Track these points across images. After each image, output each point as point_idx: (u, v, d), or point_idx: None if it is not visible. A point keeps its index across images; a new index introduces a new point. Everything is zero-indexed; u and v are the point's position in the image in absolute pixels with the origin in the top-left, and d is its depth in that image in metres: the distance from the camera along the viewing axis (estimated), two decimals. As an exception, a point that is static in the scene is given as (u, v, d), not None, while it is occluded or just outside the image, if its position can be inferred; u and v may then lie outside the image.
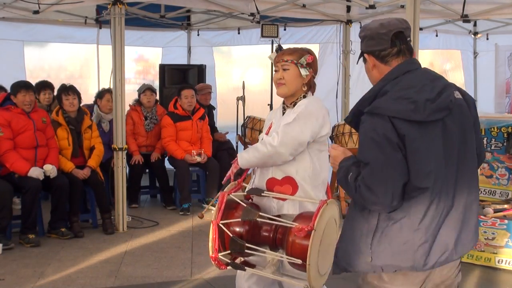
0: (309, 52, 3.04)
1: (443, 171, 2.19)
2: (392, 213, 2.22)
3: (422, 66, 2.35)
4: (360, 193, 2.19)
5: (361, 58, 2.41)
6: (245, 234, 2.69)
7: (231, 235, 2.65)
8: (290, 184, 2.92)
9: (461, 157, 2.24)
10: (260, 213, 2.71)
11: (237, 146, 7.64)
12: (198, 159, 6.77)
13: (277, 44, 7.25)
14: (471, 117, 2.29)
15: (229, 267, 2.78)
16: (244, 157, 2.97)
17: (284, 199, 2.93)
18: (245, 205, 2.73)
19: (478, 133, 2.35)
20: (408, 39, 2.29)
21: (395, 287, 2.32)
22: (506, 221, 4.87)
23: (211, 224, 2.68)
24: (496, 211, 5.02)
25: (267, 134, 3.05)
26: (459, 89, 2.31)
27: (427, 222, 2.20)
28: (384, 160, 2.13)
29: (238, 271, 3.10)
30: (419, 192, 2.17)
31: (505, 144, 6.58)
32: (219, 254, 2.71)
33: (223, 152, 7.38)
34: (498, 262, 4.89)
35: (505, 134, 6.56)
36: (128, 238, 5.73)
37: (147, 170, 7.42)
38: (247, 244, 2.65)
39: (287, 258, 2.61)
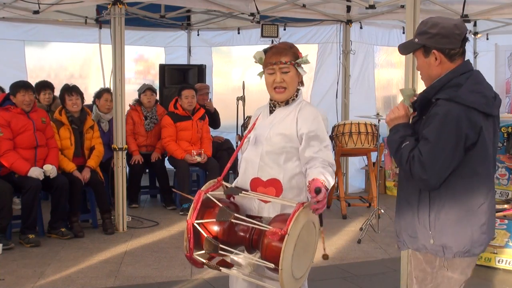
0: (296, 47, 2.92)
1: (494, 161, 2.52)
2: (450, 193, 2.44)
3: None
4: (410, 165, 2.40)
5: (416, 51, 2.55)
6: (221, 234, 2.62)
7: (205, 235, 2.58)
8: (274, 187, 2.80)
9: (494, 153, 2.53)
10: (236, 214, 2.62)
11: (236, 146, 7.63)
12: (198, 159, 6.77)
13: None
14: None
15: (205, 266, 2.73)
16: (330, 181, 2.70)
17: (266, 201, 2.81)
18: (221, 205, 2.65)
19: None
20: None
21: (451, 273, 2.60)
22: (506, 221, 4.87)
23: (186, 223, 2.61)
24: (496, 211, 5.01)
25: (249, 132, 2.92)
26: None
27: (486, 206, 2.47)
28: (446, 144, 2.35)
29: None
30: (479, 177, 2.44)
31: (505, 144, 6.59)
32: (194, 254, 2.65)
33: (223, 152, 7.38)
34: (498, 262, 4.89)
35: (505, 134, 6.57)
36: (128, 238, 5.73)
37: (147, 170, 7.42)
38: (221, 245, 2.59)
39: (260, 262, 2.55)
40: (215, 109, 7.66)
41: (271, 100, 2.95)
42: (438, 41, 2.45)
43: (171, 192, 7.06)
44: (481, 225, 2.47)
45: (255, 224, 2.60)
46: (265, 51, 2.90)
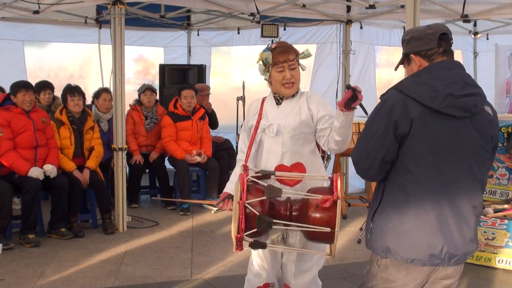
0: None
1: (438, 163, 2.30)
2: (389, 190, 2.36)
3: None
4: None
5: (403, 63, 2.52)
6: (265, 212, 2.77)
7: (257, 214, 2.70)
8: (299, 170, 3.02)
9: (464, 160, 2.33)
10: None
11: (236, 146, 7.63)
12: (198, 159, 6.77)
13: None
14: (492, 135, 2.40)
15: (245, 248, 2.84)
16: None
17: (290, 184, 2.99)
18: (264, 184, 2.82)
19: (493, 154, 2.44)
20: (452, 41, 2.41)
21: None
22: (506, 221, 4.87)
23: (237, 205, 2.69)
24: (496, 211, 5.00)
25: (258, 122, 3.10)
26: (491, 107, 2.43)
27: (426, 213, 2.31)
28: (377, 128, 2.32)
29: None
30: (410, 176, 2.31)
31: (505, 144, 6.58)
32: (244, 234, 2.73)
33: (223, 152, 7.38)
34: (498, 262, 4.89)
35: (505, 134, 6.56)
36: (128, 238, 5.73)
37: (147, 170, 7.42)
38: (274, 220, 2.73)
39: (316, 229, 2.70)
40: (212, 110, 7.66)
41: (275, 93, 3.16)
42: (413, 45, 2.43)
43: (171, 192, 7.05)
44: (409, 227, 2.32)
45: (308, 195, 2.77)
46: (270, 50, 3.07)
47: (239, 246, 2.78)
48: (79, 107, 5.96)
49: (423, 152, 2.30)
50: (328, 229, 2.68)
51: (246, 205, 2.70)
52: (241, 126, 3.09)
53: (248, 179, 2.82)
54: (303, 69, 3.11)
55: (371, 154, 2.35)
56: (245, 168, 2.95)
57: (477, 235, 2.44)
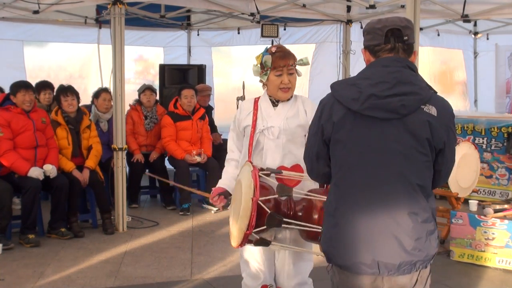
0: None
1: (363, 167, 2.19)
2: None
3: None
4: None
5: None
6: (273, 210, 2.80)
7: (269, 211, 2.73)
8: (298, 171, 3.07)
9: (393, 164, 2.18)
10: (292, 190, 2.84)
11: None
12: (198, 159, 6.77)
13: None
14: (427, 137, 2.18)
15: (247, 245, 2.88)
16: None
17: (292, 185, 3.01)
18: (276, 182, 2.86)
19: (446, 152, 2.24)
20: (405, 38, 2.23)
21: None
22: (506, 221, 4.86)
23: (250, 202, 2.70)
24: (496, 211, 5.01)
25: (255, 122, 3.10)
26: (439, 105, 2.22)
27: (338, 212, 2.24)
28: (310, 131, 2.37)
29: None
30: (336, 181, 2.27)
31: (505, 144, 6.58)
32: (253, 231, 2.76)
33: (223, 152, 7.34)
34: (498, 262, 4.88)
35: (505, 134, 6.56)
36: (128, 238, 5.73)
37: (147, 170, 7.41)
38: (285, 219, 2.76)
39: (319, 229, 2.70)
40: (208, 105, 7.71)
41: (270, 95, 3.18)
42: (365, 38, 2.31)
43: (171, 192, 7.05)
44: (336, 231, 2.23)
45: (315, 197, 2.83)
46: (270, 54, 3.09)
47: (243, 243, 2.80)
48: (73, 106, 5.96)
49: (348, 157, 2.22)
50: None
51: (259, 202, 2.72)
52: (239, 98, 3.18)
53: (260, 176, 2.84)
54: (299, 75, 3.13)
55: (309, 156, 2.38)
56: (253, 165, 2.94)
57: (430, 242, 2.21)
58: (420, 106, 2.16)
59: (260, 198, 2.73)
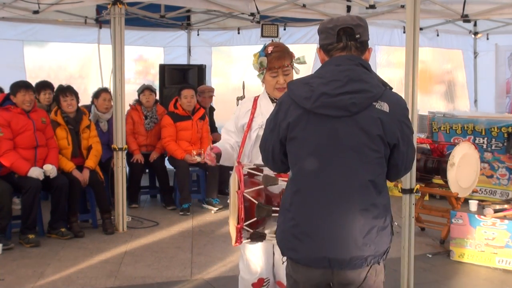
0: (288, 48, 3.18)
1: (316, 164, 2.24)
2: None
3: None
4: None
5: None
6: (263, 202, 2.80)
7: (256, 202, 2.74)
8: None
9: (346, 161, 2.22)
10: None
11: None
12: (198, 159, 6.72)
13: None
14: (379, 134, 2.21)
15: (244, 242, 2.85)
16: None
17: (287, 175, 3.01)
18: (260, 175, 2.86)
19: (401, 147, 2.27)
20: (357, 36, 2.27)
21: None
22: (506, 221, 4.86)
23: (236, 195, 2.72)
24: (496, 211, 5.01)
25: (251, 119, 3.14)
26: (392, 102, 2.24)
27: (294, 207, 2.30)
28: (267, 127, 2.41)
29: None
30: (291, 178, 2.33)
31: (505, 144, 6.59)
32: (244, 224, 2.75)
33: (223, 152, 7.37)
34: (498, 262, 4.89)
35: (505, 134, 6.57)
36: (128, 238, 5.73)
37: (147, 170, 7.42)
38: (273, 208, 2.73)
39: None
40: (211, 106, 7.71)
41: (268, 93, 3.21)
42: (319, 38, 2.35)
43: (171, 192, 7.05)
44: (291, 226, 2.30)
45: None
46: (266, 55, 3.10)
47: (239, 238, 2.79)
48: (72, 107, 5.96)
49: (302, 154, 2.27)
50: None
51: (245, 194, 2.72)
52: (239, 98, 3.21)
53: (244, 171, 2.86)
54: (297, 73, 3.14)
55: (265, 149, 2.43)
56: (239, 163, 3.00)
57: (382, 237, 2.25)
58: (371, 103, 2.20)
59: (246, 190, 2.74)
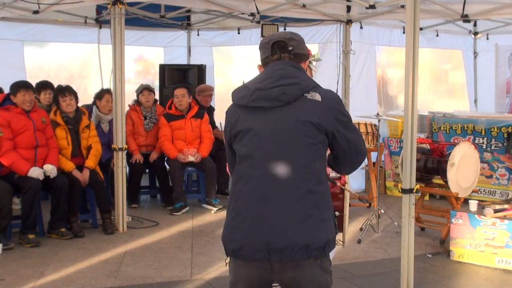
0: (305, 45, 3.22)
1: (254, 153, 2.35)
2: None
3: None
4: None
5: None
6: None
7: None
8: None
9: (281, 148, 2.33)
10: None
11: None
12: (191, 158, 6.77)
13: None
14: (312, 121, 2.32)
15: None
16: None
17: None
18: None
19: (337, 136, 2.37)
20: (290, 48, 2.45)
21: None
22: (506, 221, 4.86)
23: None
24: (496, 211, 5.01)
25: None
26: (324, 93, 2.39)
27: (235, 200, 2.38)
28: (225, 143, 2.56)
29: None
30: (236, 169, 2.43)
31: (505, 144, 6.59)
32: None
33: (223, 152, 7.34)
34: (498, 262, 4.89)
35: (505, 134, 6.57)
36: (128, 238, 5.73)
37: (147, 170, 7.42)
38: None
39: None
40: (210, 105, 7.72)
41: None
42: (260, 54, 2.54)
43: (171, 192, 7.05)
44: (231, 218, 2.37)
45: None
46: None
47: None
48: (71, 106, 5.96)
49: (242, 146, 2.39)
50: (336, 213, 2.78)
51: None
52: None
53: None
54: (313, 70, 3.14)
55: (230, 165, 2.58)
56: None
57: (324, 228, 2.31)
58: (302, 94, 2.35)
59: None
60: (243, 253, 2.31)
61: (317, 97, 2.36)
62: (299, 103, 2.33)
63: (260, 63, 2.53)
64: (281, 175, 2.30)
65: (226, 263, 2.44)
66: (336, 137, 2.37)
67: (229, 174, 2.60)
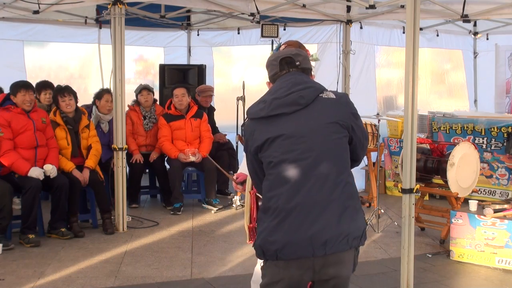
0: (303, 46, 3.21)
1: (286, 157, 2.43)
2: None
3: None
4: None
5: None
6: None
7: None
8: None
9: (312, 146, 2.43)
10: None
11: (237, 146, 7.63)
12: (192, 158, 6.77)
13: (277, 44, 7.26)
14: (339, 113, 2.48)
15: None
16: None
17: None
18: None
19: (355, 130, 2.52)
20: (297, 63, 2.59)
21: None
22: (506, 221, 4.86)
23: (249, 195, 2.79)
24: (496, 211, 5.01)
25: None
26: (336, 93, 2.56)
27: (272, 210, 2.42)
28: (246, 156, 2.63)
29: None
30: (268, 175, 2.48)
31: (505, 144, 6.59)
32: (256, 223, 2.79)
33: (223, 152, 7.37)
34: (498, 262, 4.89)
35: (505, 134, 6.57)
36: (128, 238, 5.73)
37: (147, 170, 7.42)
38: None
39: None
40: (210, 105, 7.72)
41: None
42: (267, 72, 2.67)
43: (171, 192, 7.05)
44: (270, 221, 2.44)
45: None
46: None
47: (252, 237, 2.81)
48: (71, 106, 5.95)
49: (271, 152, 2.46)
50: None
51: (258, 194, 2.74)
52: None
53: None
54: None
55: (252, 175, 2.64)
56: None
57: (360, 218, 2.47)
58: (318, 95, 2.49)
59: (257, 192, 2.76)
60: (286, 252, 2.36)
61: (331, 95, 2.52)
62: (317, 103, 2.47)
63: (268, 80, 2.66)
64: (318, 170, 2.39)
65: (261, 267, 2.51)
66: (354, 130, 2.53)
67: (255, 188, 2.66)
